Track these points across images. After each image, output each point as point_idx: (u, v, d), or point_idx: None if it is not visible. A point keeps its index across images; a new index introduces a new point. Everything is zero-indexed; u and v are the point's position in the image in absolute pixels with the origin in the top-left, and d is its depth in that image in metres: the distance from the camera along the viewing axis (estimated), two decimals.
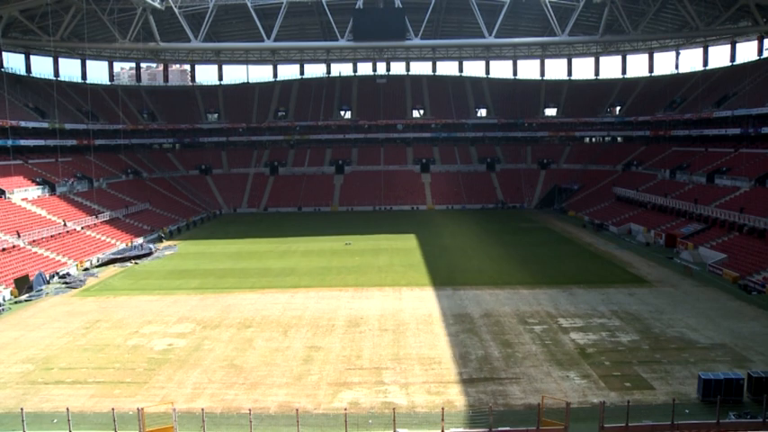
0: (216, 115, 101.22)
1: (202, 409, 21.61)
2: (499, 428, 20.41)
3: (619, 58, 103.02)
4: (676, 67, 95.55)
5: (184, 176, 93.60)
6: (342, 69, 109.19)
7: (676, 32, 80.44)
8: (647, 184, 73.75)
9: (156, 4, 67.97)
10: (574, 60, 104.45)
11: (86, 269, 50.01)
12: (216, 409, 23.34)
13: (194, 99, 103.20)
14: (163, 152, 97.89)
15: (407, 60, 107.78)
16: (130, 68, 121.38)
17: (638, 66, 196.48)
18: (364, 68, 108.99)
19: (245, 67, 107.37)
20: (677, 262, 49.37)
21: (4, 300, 39.60)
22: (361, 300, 38.86)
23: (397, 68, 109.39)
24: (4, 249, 46.69)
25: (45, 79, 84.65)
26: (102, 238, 58.34)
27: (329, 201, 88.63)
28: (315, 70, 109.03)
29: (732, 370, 25.50)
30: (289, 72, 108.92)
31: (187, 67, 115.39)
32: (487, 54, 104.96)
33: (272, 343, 30.77)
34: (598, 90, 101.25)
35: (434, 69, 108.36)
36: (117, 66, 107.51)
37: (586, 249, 55.81)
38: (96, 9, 66.94)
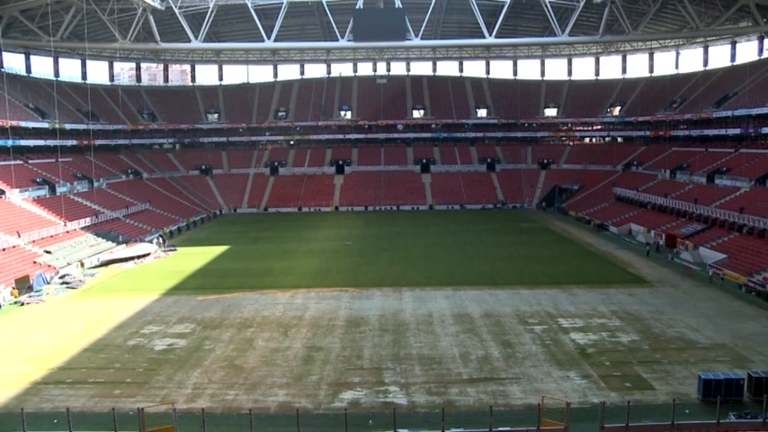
0: (216, 115, 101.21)
1: (202, 410, 21.59)
2: (499, 428, 20.39)
3: (619, 58, 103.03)
4: (676, 67, 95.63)
5: (184, 176, 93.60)
6: (342, 69, 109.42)
7: (676, 32, 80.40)
8: (647, 184, 73.73)
9: (156, 5, 67.93)
10: (574, 60, 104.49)
11: (87, 269, 49.98)
12: (216, 409, 23.33)
13: (194, 99, 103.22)
14: (163, 152, 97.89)
15: (407, 60, 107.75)
16: (130, 68, 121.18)
17: (638, 66, 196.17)
18: (364, 68, 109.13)
19: (245, 67, 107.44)
20: (677, 262, 49.36)
21: (4, 300, 39.57)
22: (362, 300, 38.87)
23: (398, 68, 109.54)
24: (4, 249, 46.71)
25: (45, 79, 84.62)
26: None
27: (329, 201, 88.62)
28: (315, 70, 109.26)
29: (732, 370, 25.49)
30: (289, 72, 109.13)
31: (187, 67, 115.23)
32: (487, 54, 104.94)
33: (272, 343, 30.76)
34: (598, 90, 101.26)
35: (434, 69, 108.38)
36: (117, 66, 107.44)
37: (586, 249, 55.81)
38: (96, 9, 66.89)
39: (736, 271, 42.66)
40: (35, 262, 47.13)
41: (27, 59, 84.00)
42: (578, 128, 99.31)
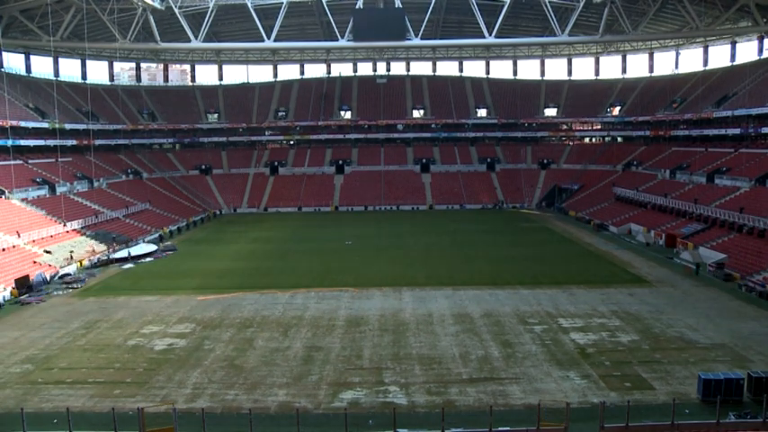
0: (216, 115, 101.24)
1: (202, 410, 21.58)
2: (499, 428, 20.39)
3: (619, 58, 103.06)
4: (676, 67, 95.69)
5: (184, 176, 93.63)
6: (342, 69, 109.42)
7: (676, 32, 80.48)
8: (647, 184, 73.74)
9: (156, 4, 67.98)
10: (574, 60, 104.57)
11: (86, 269, 49.97)
12: (216, 409, 23.33)
13: (194, 99, 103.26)
14: (163, 152, 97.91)
15: (407, 60, 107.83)
16: (130, 68, 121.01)
17: (638, 66, 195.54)
18: (364, 68, 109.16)
19: (245, 67, 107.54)
20: (677, 262, 49.37)
21: (3, 300, 39.58)
22: (362, 300, 38.87)
23: (397, 68, 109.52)
24: (4, 249, 46.70)
25: (45, 79, 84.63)
26: None
27: (329, 201, 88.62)
28: (315, 70, 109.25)
29: (732, 370, 25.46)
30: (289, 72, 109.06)
31: (187, 67, 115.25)
32: (487, 54, 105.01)
33: (272, 343, 30.75)
34: (598, 90, 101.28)
35: (434, 69, 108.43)
36: (117, 66, 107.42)
37: (586, 249, 55.80)
38: (96, 9, 66.94)
39: (735, 271, 42.67)
40: (35, 262, 47.15)
41: (27, 59, 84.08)
42: (578, 128, 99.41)
